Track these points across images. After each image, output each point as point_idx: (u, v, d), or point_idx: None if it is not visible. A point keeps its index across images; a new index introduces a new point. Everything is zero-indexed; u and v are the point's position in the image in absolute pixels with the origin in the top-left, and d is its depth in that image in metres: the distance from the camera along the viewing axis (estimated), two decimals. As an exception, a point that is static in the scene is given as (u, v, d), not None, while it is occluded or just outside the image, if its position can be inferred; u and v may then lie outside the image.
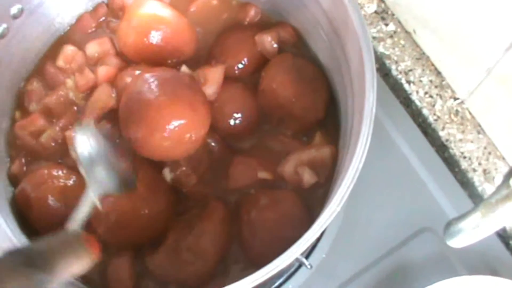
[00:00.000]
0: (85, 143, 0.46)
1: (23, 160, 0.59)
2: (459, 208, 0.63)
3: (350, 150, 0.44)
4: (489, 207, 0.48)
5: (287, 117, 0.58)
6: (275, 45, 0.62)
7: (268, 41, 0.62)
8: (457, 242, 0.51)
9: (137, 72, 0.59)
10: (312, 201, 0.55)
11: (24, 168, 0.58)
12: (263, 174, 0.55)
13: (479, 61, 0.66)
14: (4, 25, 0.56)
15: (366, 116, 0.44)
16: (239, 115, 0.59)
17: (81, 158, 0.46)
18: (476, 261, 0.63)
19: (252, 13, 0.65)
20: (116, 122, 0.56)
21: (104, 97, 0.60)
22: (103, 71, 0.61)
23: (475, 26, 0.64)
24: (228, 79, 0.60)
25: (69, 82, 0.61)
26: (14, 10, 0.56)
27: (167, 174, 0.56)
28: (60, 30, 0.65)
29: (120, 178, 0.47)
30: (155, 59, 0.61)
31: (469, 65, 0.68)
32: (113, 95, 0.59)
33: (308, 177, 0.54)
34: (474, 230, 0.49)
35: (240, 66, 0.62)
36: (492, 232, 0.49)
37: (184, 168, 0.56)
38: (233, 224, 0.54)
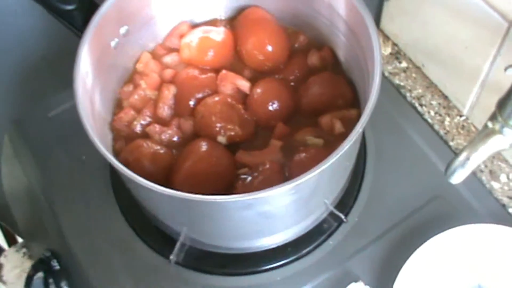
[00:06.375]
0: None
1: (123, 141, 0.74)
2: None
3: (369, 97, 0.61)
4: (474, 145, 0.60)
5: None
6: (319, 61, 0.79)
7: (316, 58, 0.79)
8: (456, 178, 0.62)
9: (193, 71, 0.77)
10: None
11: (123, 145, 0.73)
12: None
13: (474, 78, 0.81)
14: (116, 40, 0.72)
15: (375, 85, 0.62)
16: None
17: None
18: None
19: (301, 39, 0.82)
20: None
21: (166, 92, 0.76)
22: (167, 73, 0.78)
23: (466, 51, 0.79)
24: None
25: (143, 84, 0.77)
26: (122, 30, 0.73)
27: (221, 139, 0.72)
28: (151, 47, 0.81)
29: None
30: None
31: (467, 84, 0.83)
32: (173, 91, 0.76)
33: (338, 126, 0.71)
34: (466, 164, 0.60)
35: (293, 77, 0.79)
36: (479, 163, 0.62)
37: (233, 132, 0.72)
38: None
